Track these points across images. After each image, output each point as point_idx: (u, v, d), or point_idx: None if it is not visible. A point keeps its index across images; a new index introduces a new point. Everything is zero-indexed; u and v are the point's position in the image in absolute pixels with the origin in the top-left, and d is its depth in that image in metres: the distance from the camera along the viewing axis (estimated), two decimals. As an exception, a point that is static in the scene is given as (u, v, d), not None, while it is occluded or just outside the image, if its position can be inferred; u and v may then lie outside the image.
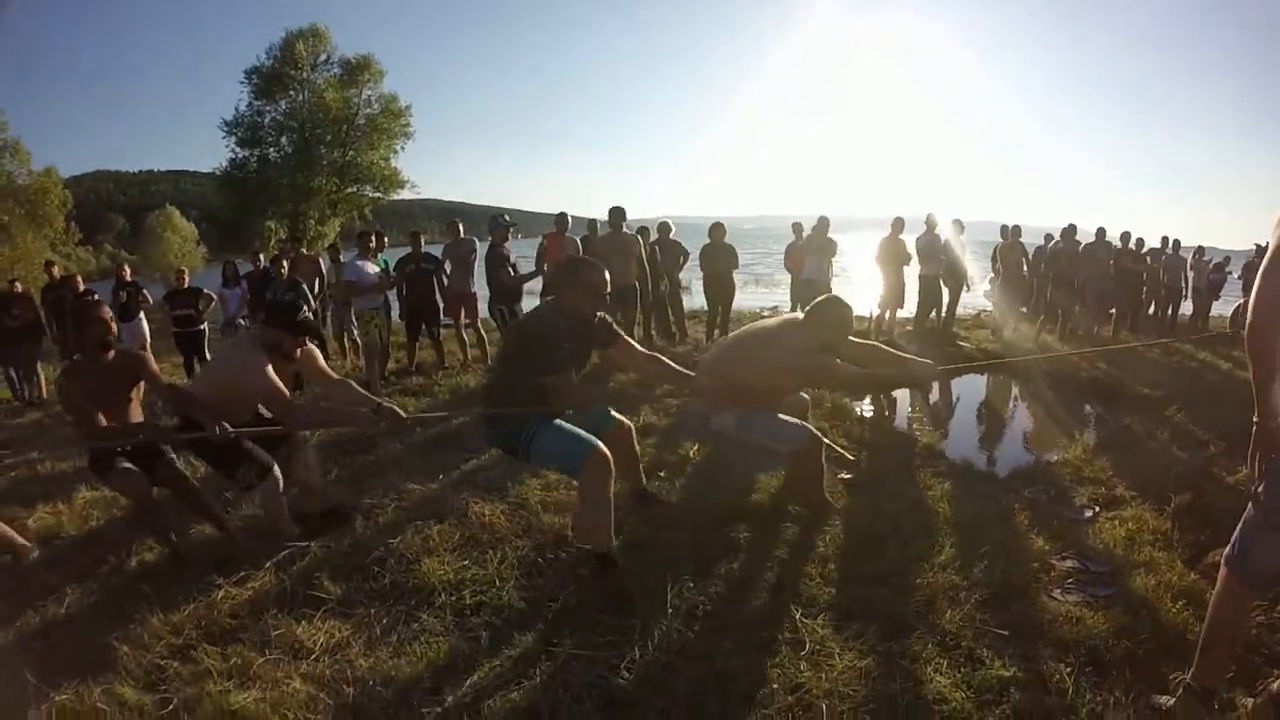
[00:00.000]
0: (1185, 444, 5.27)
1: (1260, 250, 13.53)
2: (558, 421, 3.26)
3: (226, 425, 3.41)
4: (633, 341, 3.69)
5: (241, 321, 8.63)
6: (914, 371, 3.93)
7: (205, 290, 9.01)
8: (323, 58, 30.51)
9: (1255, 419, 1.96)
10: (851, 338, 3.94)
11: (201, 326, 8.87)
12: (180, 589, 3.20)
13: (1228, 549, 2.18)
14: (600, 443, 3.20)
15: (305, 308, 3.85)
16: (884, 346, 4.25)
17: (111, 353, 3.68)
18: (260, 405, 3.66)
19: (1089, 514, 4.01)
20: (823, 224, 9.93)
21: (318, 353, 3.84)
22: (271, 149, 30.46)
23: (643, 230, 9.49)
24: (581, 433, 3.24)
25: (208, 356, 8.61)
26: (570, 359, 3.32)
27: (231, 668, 2.63)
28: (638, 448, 3.86)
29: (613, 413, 3.64)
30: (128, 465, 3.57)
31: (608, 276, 3.33)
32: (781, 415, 3.82)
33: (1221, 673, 2.26)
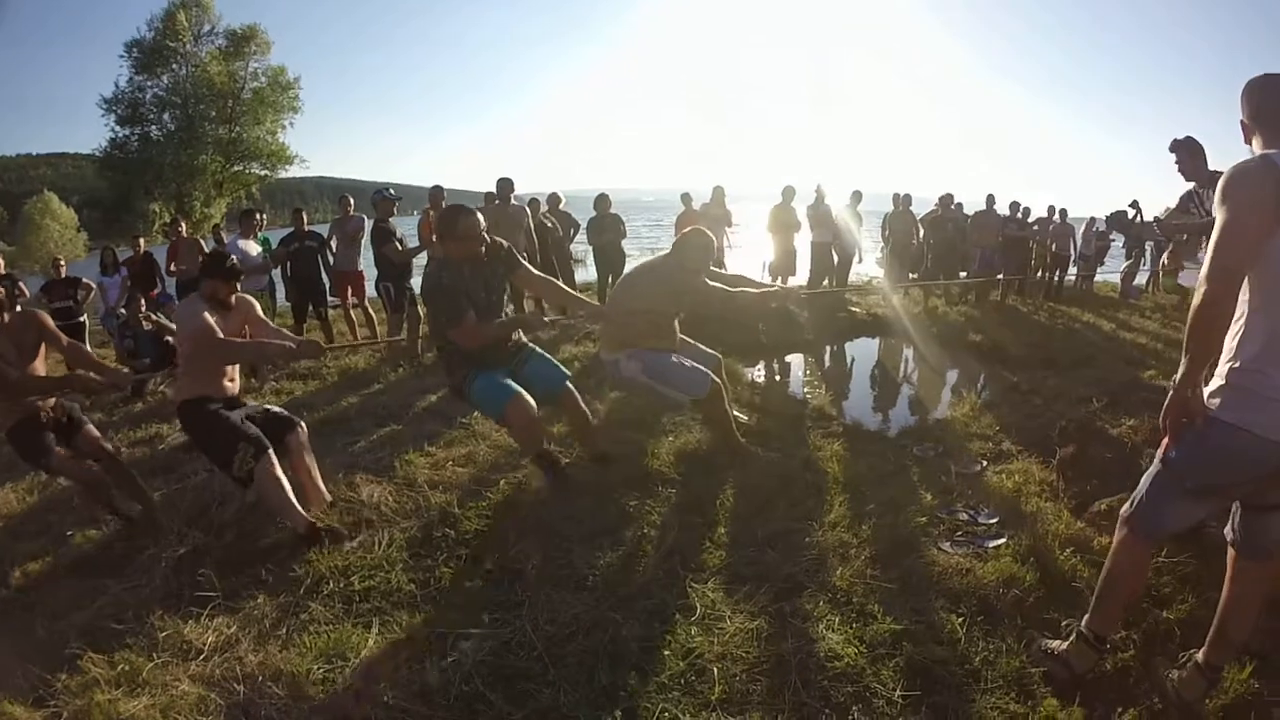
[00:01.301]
0: (1069, 400, 5.47)
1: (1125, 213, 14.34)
2: (491, 372, 3.62)
3: (124, 370, 3.70)
4: (530, 267, 4.02)
5: (123, 311, 8.06)
6: (776, 293, 4.66)
7: (84, 280, 8.41)
8: (206, 28, 28.93)
9: (1173, 384, 1.97)
10: (721, 272, 4.53)
11: (81, 318, 8.28)
12: (66, 596, 3.04)
13: (1128, 508, 2.21)
14: (521, 390, 3.57)
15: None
16: (748, 277, 4.79)
17: (6, 316, 3.59)
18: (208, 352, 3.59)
19: (977, 468, 4.11)
20: (718, 193, 9.97)
21: (254, 302, 3.92)
22: (154, 127, 28.88)
23: (533, 202, 9.40)
24: (510, 383, 3.58)
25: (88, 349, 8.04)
26: (481, 299, 3.58)
27: (120, 675, 2.48)
28: (585, 408, 4.06)
29: (566, 383, 3.94)
30: (60, 449, 3.63)
31: (480, 218, 3.57)
32: (688, 363, 4.09)
33: (1116, 622, 2.31)
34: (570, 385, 3.95)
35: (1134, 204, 4.26)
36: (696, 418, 4.47)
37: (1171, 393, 1.97)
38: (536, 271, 4.05)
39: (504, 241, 3.81)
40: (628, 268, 9.97)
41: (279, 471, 3.42)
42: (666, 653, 2.42)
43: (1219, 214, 1.87)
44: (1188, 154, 4.47)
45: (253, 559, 3.22)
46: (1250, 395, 1.88)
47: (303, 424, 3.79)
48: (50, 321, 3.79)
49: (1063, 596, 2.73)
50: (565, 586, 2.81)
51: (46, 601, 3.02)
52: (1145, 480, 2.17)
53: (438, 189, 8.34)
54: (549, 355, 4.04)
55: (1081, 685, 2.25)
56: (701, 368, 4.09)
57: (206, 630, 2.69)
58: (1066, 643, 2.35)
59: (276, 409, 3.83)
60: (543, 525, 3.33)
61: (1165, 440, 2.07)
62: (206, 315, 3.53)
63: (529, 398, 3.57)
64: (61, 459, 3.64)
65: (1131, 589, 2.31)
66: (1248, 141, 2.07)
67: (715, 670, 2.32)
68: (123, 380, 4.03)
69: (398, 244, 7.22)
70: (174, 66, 28.49)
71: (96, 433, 3.87)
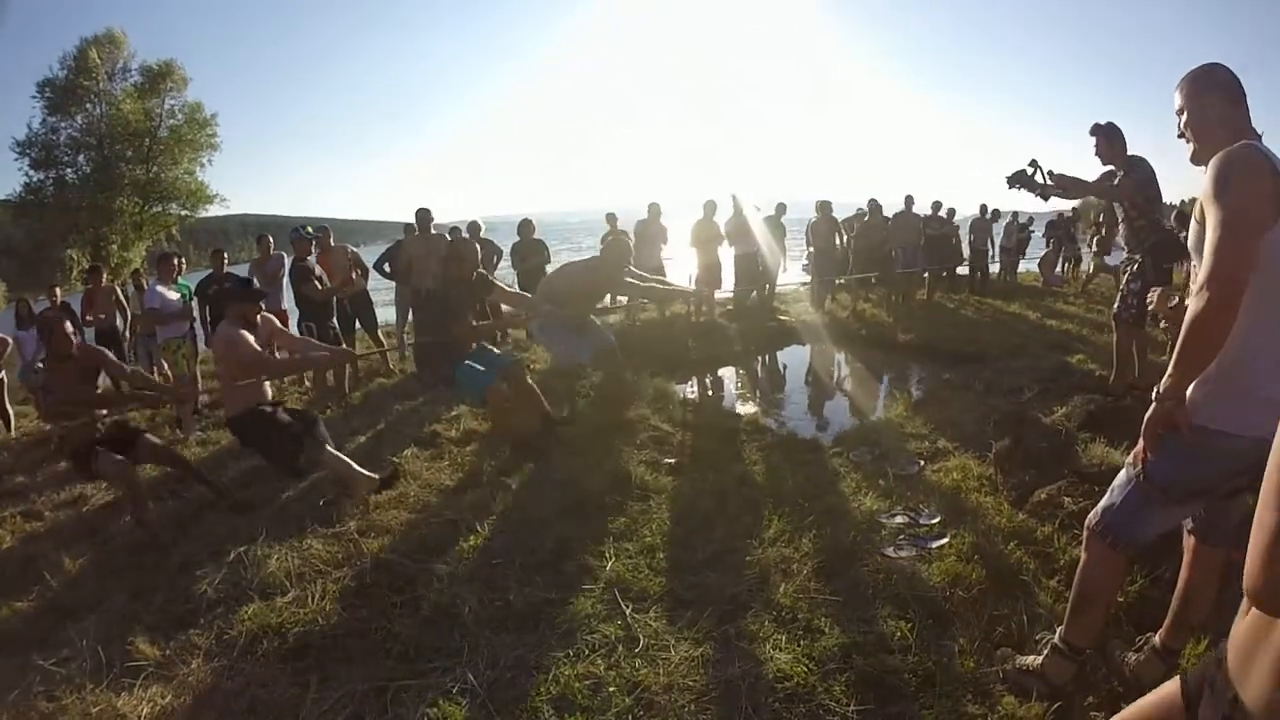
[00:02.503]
0: (1001, 391, 5.59)
1: (1063, 216, 14.88)
2: (468, 362, 4.64)
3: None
4: (501, 284, 5.27)
5: (40, 365, 7.68)
6: (685, 292, 6.83)
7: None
8: (120, 65, 27.94)
9: (1156, 394, 1.87)
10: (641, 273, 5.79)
11: (1, 374, 7.87)
12: None
13: (1097, 520, 2.11)
14: (495, 378, 4.65)
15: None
16: (668, 280, 6.60)
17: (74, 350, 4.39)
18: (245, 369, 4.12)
19: (915, 469, 4.15)
20: (654, 210, 9.98)
21: (274, 319, 4.51)
22: (69, 170, 27.60)
23: (454, 231, 9.29)
24: (486, 370, 4.66)
25: (8, 409, 7.64)
26: (465, 309, 4.77)
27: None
28: (531, 382, 5.05)
29: (514, 363, 5.09)
30: (113, 455, 4.17)
31: (477, 247, 5.13)
32: (574, 340, 5.38)
33: (1094, 633, 2.23)
34: (518, 364, 5.11)
35: (1032, 162, 4.38)
36: (635, 443, 4.80)
37: (1154, 405, 1.88)
38: (506, 287, 5.39)
39: (484, 272, 5.03)
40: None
41: (332, 447, 4.13)
42: (612, 689, 2.35)
43: (1216, 209, 1.71)
44: (1105, 138, 4.61)
45: (184, 622, 3.06)
46: (1233, 397, 1.80)
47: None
48: (110, 356, 4.62)
49: (1011, 591, 2.75)
50: (505, 628, 2.73)
51: (24, 634, 2.92)
52: (1117, 492, 2.07)
53: (323, 227, 8.27)
54: (493, 348, 5.23)
55: (1062, 696, 2.22)
56: (582, 350, 5.40)
57: (140, 702, 2.54)
58: (1041, 657, 2.30)
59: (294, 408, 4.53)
60: (478, 564, 3.25)
61: (1141, 451, 1.96)
62: (251, 339, 4.10)
63: (503, 385, 4.66)
64: (108, 464, 4.13)
65: (1109, 600, 2.24)
66: (1186, 134, 2.04)
67: (664, 702, 2.27)
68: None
69: (316, 283, 7.07)
70: (88, 106, 27.38)
71: (155, 441, 4.60)
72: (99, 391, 4.58)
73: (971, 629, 2.55)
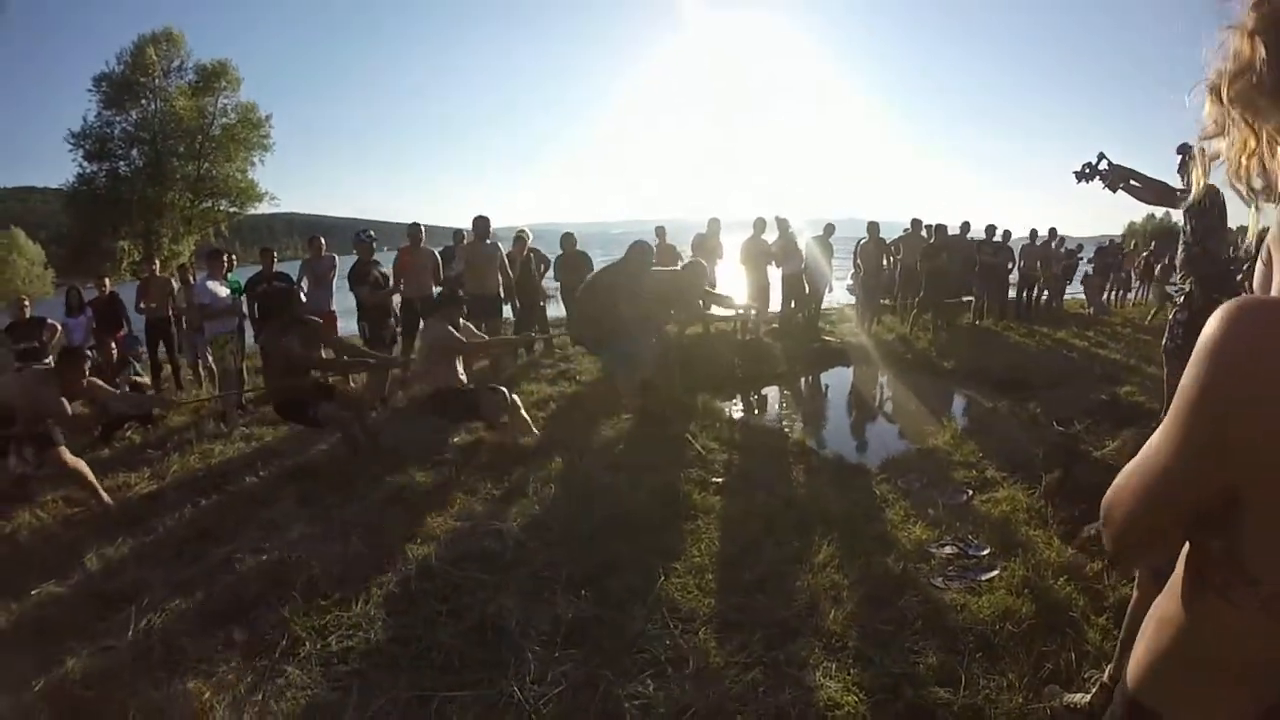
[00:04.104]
0: (1050, 422, 5.47)
1: (1113, 242, 14.60)
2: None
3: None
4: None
5: (89, 353, 7.85)
6: (744, 305, 7.74)
7: (49, 321, 8.18)
8: (176, 64, 28.64)
9: None
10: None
11: (48, 360, 8.05)
12: (30, 661, 2.85)
13: None
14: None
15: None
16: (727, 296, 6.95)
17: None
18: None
19: (963, 498, 4.08)
20: (714, 226, 9.94)
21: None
22: (122, 163, 28.32)
23: (457, 235, 9.32)
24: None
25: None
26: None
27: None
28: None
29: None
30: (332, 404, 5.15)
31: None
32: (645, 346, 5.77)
33: None
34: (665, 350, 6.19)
35: (1100, 155, 4.26)
36: (683, 461, 4.77)
37: None
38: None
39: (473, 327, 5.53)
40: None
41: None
42: (662, 710, 2.32)
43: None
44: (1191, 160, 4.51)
45: (226, 619, 3.07)
46: None
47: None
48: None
49: (1060, 626, 2.69)
50: (552, 643, 2.71)
51: (10, 666, 2.84)
52: None
53: (415, 226, 8.29)
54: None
55: None
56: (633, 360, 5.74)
57: (179, 697, 2.55)
58: (1089, 695, 2.28)
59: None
60: (525, 576, 3.23)
61: None
62: (454, 332, 5.08)
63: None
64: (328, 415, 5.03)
65: None
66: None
67: (713, 728, 2.24)
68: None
69: (367, 287, 7.17)
70: (143, 102, 28.08)
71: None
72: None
73: (1020, 664, 2.50)
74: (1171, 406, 0.75)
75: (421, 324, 7.83)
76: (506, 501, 4.16)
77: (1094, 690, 2.27)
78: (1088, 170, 4.23)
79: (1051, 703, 2.34)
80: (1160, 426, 0.78)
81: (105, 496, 4.57)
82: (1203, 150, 0.87)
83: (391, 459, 4.93)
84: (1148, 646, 0.93)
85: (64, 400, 4.51)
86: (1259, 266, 1.88)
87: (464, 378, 5.25)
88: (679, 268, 6.50)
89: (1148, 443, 0.80)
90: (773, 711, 2.31)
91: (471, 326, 5.58)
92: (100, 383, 4.99)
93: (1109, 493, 0.87)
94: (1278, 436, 0.67)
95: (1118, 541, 0.88)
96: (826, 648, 2.63)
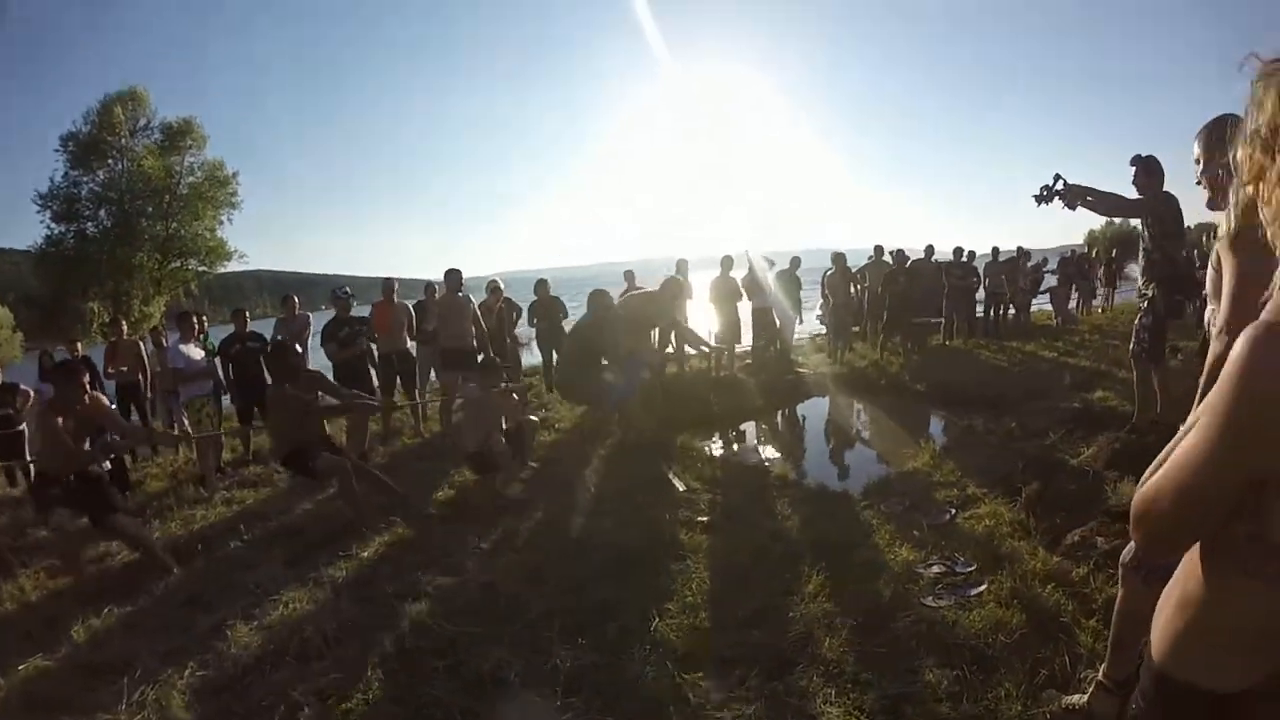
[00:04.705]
0: (1025, 435, 5.57)
1: (1075, 252, 14.91)
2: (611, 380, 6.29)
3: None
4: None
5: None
6: (712, 346, 8.39)
7: (21, 386, 8.05)
8: (142, 123, 28.48)
9: (1184, 430, 1.89)
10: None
11: (21, 427, 7.90)
12: (69, 692, 2.93)
13: (1129, 555, 2.10)
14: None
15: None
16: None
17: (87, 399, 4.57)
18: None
19: (947, 517, 4.14)
20: (682, 266, 10.05)
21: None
22: (89, 223, 27.94)
23: (428, 288, 9.42)
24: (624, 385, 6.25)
25: (28, 457, 7.68)
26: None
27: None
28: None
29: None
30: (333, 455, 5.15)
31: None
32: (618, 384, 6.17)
33: (1133, 662, 2.19)
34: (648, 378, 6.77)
35: (1056, 176, 4.39)
36: (667, 500, 4.82)
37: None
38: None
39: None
40: None
41: None
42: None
43: (1232, 258, 1.76)
44: (1145, 170, 4.69)
45: (220, 687, 3.02)
46: None
47: None
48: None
49: (1051, 632, 2.74)
50: (553, 692, 2.71)
51: (53, 696, 2.94)
52: None
53: (389, 281, 8.28)
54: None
55: None
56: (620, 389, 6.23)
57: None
58: (1086, 695, 2.31)
59: None
60: (520, 627, 3.23)
61: None
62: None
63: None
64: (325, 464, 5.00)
65: (1147, 632, 2.26)
66: (1203, 181, 2.07)
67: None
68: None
69: (334, 344, 7.26)
70: (110, 161, 27.87)
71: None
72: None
73: (1016, 673, 2.54)
74: (1203, 421, 0.89)
75: (432, 376, 8.29)
76: (495, 553, 4.16)
77: (1090, 690, 2.31)
78: (1045, 192, 4.36)
79: (1050, 707, 2.37)
80: (1191, 441, 0.91)
81: (167, 560, 4.49)
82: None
83: (377, 514, 4.90)
84: (1172, 625, 1.10)
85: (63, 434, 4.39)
86: (1209, 272, 1.96)
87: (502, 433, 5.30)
88: (656, 288, 6.96)
89: (1176, 454, 0.94)
90: (777, 745, 2.33)
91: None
92: (102, 398, 4.87)
93: (1139, 500, 1.01)
94: None
95: (1154, 540, 1.03)
96: (825, 675, 2.65)
